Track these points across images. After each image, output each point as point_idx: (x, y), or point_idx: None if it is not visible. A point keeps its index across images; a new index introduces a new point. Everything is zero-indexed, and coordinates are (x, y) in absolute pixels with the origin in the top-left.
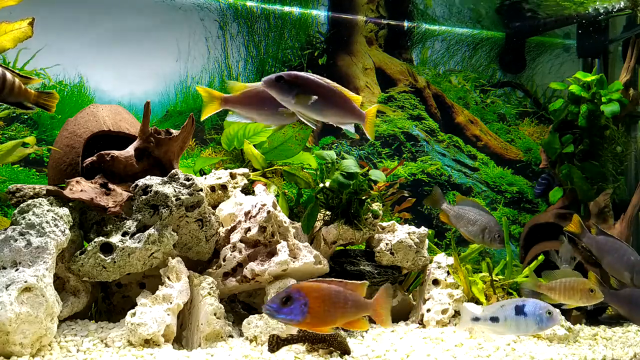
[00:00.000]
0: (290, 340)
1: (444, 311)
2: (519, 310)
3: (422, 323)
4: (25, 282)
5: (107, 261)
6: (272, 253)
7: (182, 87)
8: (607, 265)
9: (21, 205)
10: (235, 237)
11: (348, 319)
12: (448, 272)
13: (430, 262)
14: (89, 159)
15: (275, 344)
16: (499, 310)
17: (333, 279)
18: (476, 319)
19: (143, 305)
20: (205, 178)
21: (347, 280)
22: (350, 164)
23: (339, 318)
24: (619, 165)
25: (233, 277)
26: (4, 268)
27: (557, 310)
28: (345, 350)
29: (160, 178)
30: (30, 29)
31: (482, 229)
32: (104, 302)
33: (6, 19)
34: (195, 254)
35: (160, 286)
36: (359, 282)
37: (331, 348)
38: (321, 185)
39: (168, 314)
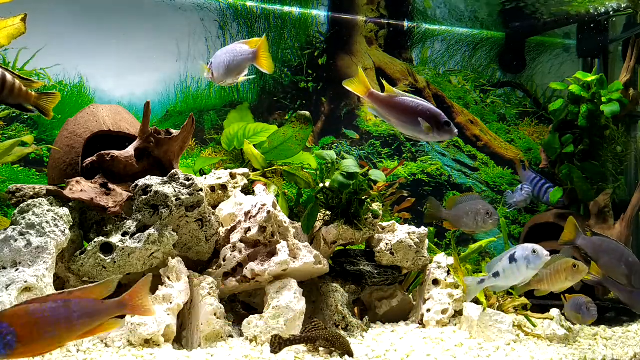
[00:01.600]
0: (292, 341)
1: (444, 311)
2: (511, 258)
3: (422, 323)
4: (25, 282)
5: (107, 261)
6: (272, 253)
7: (182, 87)
8: (603, 266)
9: (21, 205)
10: (235, 237)
11: (84, 329)
12: (448, 272)
13: (430, 262)
14: (89, 159)
15: (278, 344)
16: (498, 264)
17: (52, 293)
18: (482, 282)
19: None
20: (205, 178)
21: (75, 289)
22: (350, 164)
23: (68, 333)
24: (619, 165)
25: (233, 277)
26: (4, 268)
27: (541, 248)
28: (348, 352)
29: (160, 178)
30: (23, 26)
31: (474, 218)
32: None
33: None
34: (195, 254)
35: (160, 286)
36: (95, 283)
37: (333, 349)
38: (321, 185)
39: (168, 314)
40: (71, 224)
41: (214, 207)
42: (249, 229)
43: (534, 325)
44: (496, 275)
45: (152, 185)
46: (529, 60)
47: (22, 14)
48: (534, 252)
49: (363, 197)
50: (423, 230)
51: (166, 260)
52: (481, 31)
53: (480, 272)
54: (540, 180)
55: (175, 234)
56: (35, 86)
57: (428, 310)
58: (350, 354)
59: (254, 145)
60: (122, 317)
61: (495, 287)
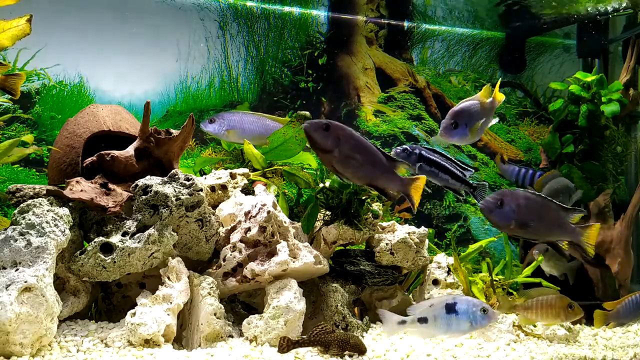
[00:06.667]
0: (301, 342)
1: None
2: (450, 309)
3: None
4: (25, 282)
5: (107, 261)
6: (272, 253)
7: (182, 87)
8: None
9: (21, 205)
10: (235, 237)
11: None
12: (448, 272)
13: (430, 262)
14: (89, 159)
15: (286, 346)
16: (428, 309)
17: None
18: (402, 322)
19: (143, 305)
20: (205, 178)
21: None
22: None
23: None
24: (619, 165)
25: (233, 277)
26: (4, 268)
27: (491, 308)
28: (361, 350)
29: (160, 178)
30: (28, 27)
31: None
32: (104, 302)
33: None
34: (195, 254)
35: (160, 286)
36: None
37: (347, 352)
38: (321, 185)
39: (168, 314)
40: (71, 224)
41: (214, 207)
42: (249, 229)
43: (534, 325)
44: (423, 321)
45: (152, 185)
46: (529, 60)
47: (28, 14)
48: (484, 311)
49: (363, 197)
50: (423, 230)
51: (166, 260)
52: (481, 31)
53: (480, 271)
54: (522, 170)
55: (175, 234)
56: (2, 70)
57: None
58: (364, 351)
59: (254, 145)
60: None
61: (418, 333)
